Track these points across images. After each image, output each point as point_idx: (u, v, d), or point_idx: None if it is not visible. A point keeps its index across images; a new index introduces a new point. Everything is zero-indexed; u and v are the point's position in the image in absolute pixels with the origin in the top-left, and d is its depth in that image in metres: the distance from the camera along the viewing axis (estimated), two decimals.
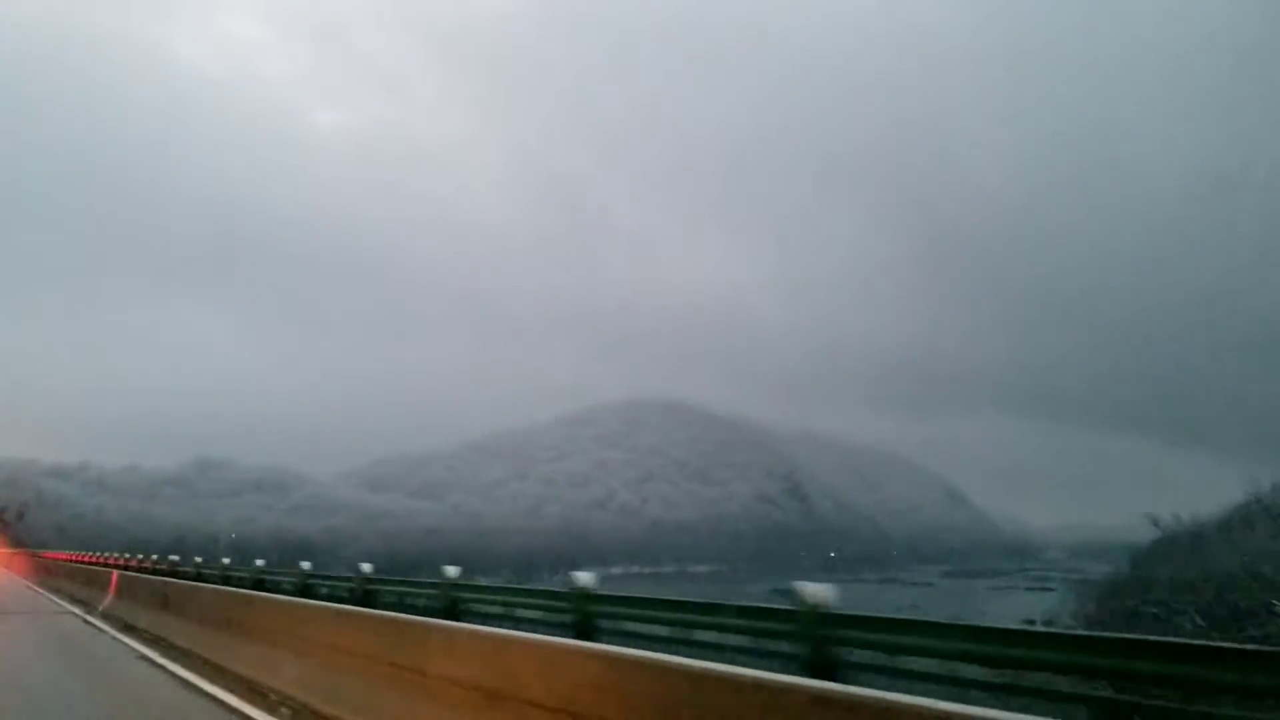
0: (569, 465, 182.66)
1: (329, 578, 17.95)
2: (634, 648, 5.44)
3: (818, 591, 6.62)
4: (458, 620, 10.38)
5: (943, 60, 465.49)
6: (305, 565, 18.04)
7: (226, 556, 27.16)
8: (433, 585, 12.52)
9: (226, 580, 20.22)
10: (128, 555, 32.69)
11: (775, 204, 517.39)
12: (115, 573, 21.28)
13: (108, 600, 19.30)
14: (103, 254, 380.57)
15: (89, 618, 18.17)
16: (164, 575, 21.23)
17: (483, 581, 16.97)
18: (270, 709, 8.11)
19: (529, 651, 5.55)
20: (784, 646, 7.15)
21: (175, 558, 26.64)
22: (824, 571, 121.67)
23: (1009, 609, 65.20)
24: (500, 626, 7.64)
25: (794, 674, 4.84)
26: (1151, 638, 5.55)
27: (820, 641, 6.54)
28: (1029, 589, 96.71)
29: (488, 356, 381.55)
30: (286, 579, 18.24)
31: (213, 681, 9.63)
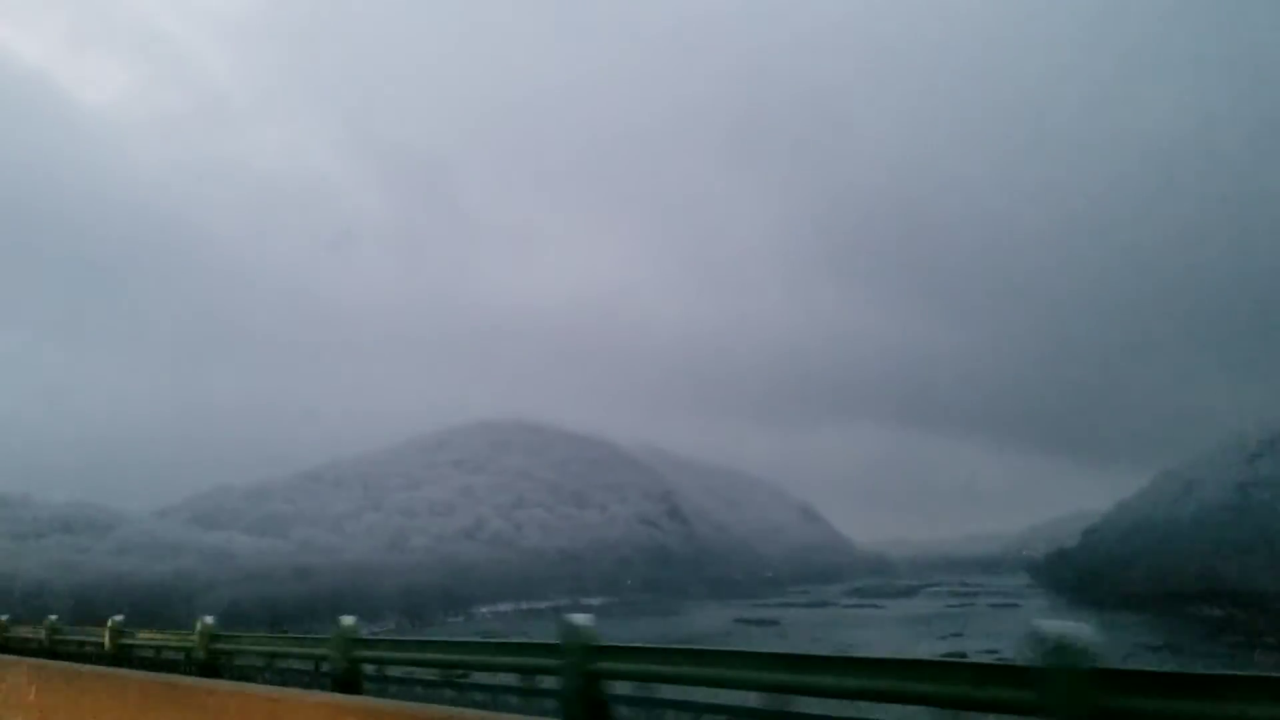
0: (429, 493, 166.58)
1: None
2: None
3: None
4: None
5: (840, 33, 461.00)
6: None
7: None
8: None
9: None
10: None
11: (653, 200, 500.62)
12: None
13: None
14: None
15: None
16: None
17: None
18: None
19: None
20: None
21: None
22: (744, 598, 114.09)
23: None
24: None
25: None
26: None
27: None
28: (993, 605, 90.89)
29: (323, 374, 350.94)
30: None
31: None
